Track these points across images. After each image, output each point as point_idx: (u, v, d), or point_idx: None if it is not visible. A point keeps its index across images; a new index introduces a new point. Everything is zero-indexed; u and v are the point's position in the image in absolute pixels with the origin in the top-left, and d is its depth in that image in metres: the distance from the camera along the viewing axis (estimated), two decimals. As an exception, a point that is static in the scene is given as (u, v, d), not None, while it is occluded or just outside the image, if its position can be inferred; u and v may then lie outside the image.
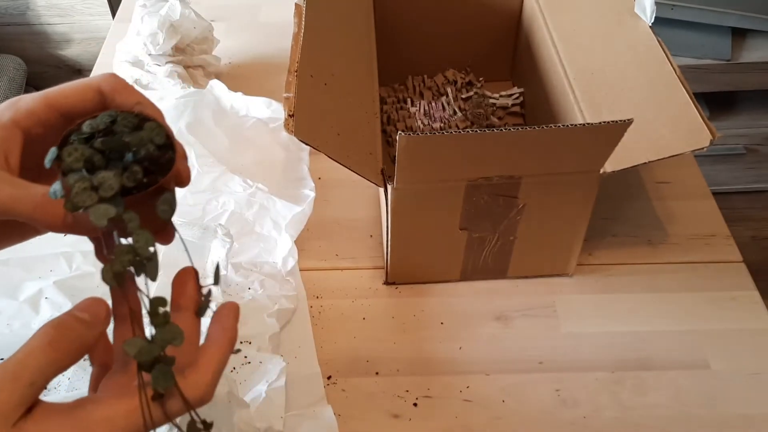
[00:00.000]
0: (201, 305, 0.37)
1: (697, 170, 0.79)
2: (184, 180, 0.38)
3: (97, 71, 0.96)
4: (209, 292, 0.38)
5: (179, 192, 0.37)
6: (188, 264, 0.38)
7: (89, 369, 0.56)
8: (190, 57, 0.89)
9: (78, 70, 1.66)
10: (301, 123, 0.55)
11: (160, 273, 0.58)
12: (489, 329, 0.65)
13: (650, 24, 0.69)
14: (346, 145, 0.58)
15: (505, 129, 0.52)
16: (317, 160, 0.79)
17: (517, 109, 0.87)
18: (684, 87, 0.62)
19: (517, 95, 0.87)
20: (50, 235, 0.68)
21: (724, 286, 0.68)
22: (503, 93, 0.88)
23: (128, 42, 0.87)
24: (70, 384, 0.55)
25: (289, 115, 0.55)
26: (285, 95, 0.57)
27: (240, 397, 0.53)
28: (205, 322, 0.37)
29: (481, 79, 0.90)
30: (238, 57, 0.98)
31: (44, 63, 1.64)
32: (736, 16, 1.34)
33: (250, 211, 0.71)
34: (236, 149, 0.78)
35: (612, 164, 0.58)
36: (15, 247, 0.67)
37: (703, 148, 0.56)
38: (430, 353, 0.63)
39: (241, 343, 0.59)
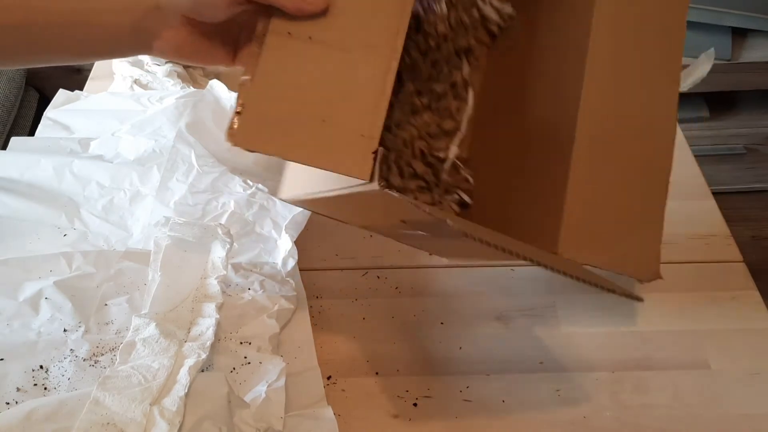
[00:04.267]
0: None
1: (697, 170, 0.79)
2: None
3: (96, 71, 0.96)
4: None
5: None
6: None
7: (89, 369, 0.56)
8: (190, 57, 0.89)
9: (78, 70, 1.66)
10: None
11: (159, 273, 0.58)
12: (489, 329, 0.65)
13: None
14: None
15: None
16: (317, 160, 0.79)
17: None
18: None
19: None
20: (50, 235, 0.68)
21: (724, 286, 0.68)
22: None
23: (128, 42, 0.87)
24: (70, 384, 0.55)
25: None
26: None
27: (240, 398, 0.53)
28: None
29: None
30: (238, 57, 0.98)
31: (44, 63, 1.65)
32: (736, 16, 1.34)
33: (250, 212, 0.71)
34: (236, 149, 0.78)
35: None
36: (15, 247, 0.67)
37: None
38: (430, 353, 0.63)
39: (241, 343, 0.59)
